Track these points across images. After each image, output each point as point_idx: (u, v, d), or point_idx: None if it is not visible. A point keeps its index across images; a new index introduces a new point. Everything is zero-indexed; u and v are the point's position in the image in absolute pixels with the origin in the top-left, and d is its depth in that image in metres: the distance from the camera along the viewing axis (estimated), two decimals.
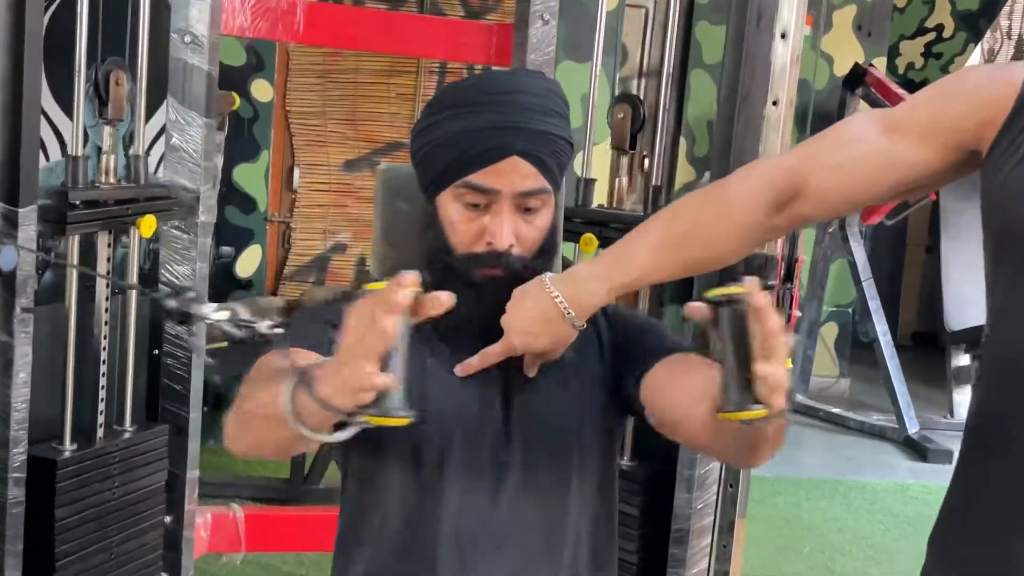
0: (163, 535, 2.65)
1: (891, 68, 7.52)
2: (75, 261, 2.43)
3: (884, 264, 8.00)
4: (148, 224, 2.50)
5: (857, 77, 6.02)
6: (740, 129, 2.37)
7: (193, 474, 2.69)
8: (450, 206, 1.46)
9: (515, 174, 1.43)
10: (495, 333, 1.45)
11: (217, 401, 4.17)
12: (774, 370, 1.09)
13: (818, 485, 5.10)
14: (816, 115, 6.56)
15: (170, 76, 2.59)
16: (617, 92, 5.77)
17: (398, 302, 1.08)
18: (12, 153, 2.13)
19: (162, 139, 3.03)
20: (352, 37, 2.88)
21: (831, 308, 6.88)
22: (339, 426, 1.17)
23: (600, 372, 1.55)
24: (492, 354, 1.43)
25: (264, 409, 1.21)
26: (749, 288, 1.11)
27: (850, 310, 6.97)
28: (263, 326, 1.20)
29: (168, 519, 2.66)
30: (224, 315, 1.25)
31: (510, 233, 1.44)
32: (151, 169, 3.81)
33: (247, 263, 4.93)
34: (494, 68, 1.99)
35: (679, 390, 1.40)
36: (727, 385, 1.13)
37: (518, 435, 1.49)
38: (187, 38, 2.56)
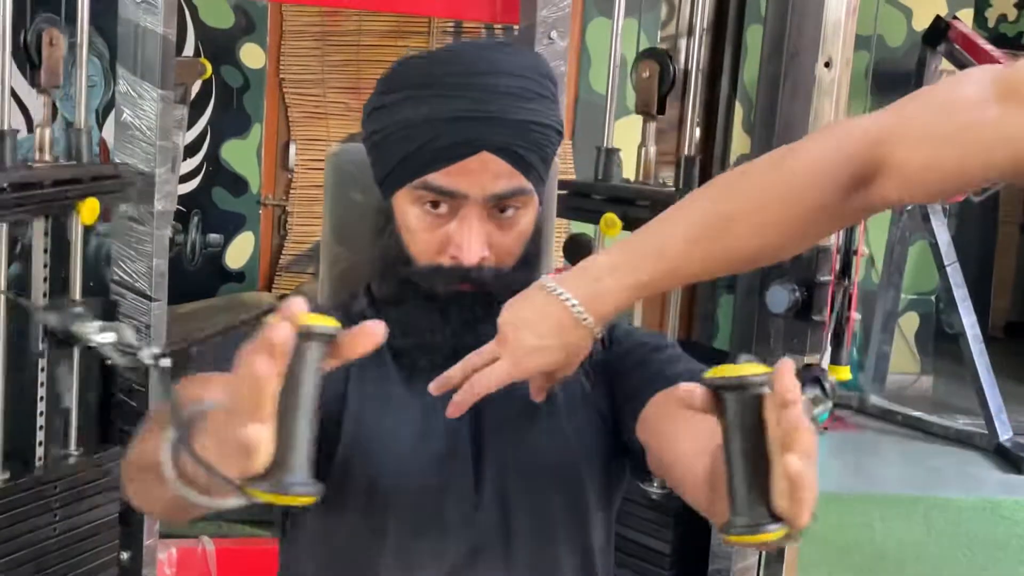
0: (119, 574, 2.55)
1: (979, 21, 7.37)
2: (3, 253, 2.31)
3: (972, 246, 7.83)
4: (90, 208, 2.37)
5: (939, 32, 5.87)
6: (787, 94, 2.28)
7: None
8: (408, 209, 1.33)
9: (485, 173, 1.30)
10: (464, 352, 1.30)
11: None
12: (802, 474, 0.88)
13: (894, 502, 4.96)
14: (890, 76, 6.43)
15: (119, 41, 2.48)
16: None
17: (278, 344, 0.86)
18: None
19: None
20: None
21: (911, 296, 6.75)
22: None
23: (597, 398, 1.42)
24: (488, 381, 1.23)
25: (145, 461, 1.04)
26: (772, 370, 0.91)
27: (933, 298, 6.84)
28: (146, 355, 1.05)
29: (125, 555, 2.57)
30: (110, 337, 1.12)
31: (480, 245, 1.30)
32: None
33: (238, 252, 4.90)
34: (468, 40, 1.85)
35: (678, 435, 1.21)
36: (735, 497, 0.94)
37: (492, 486, 1.35)
38: None
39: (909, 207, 6.08)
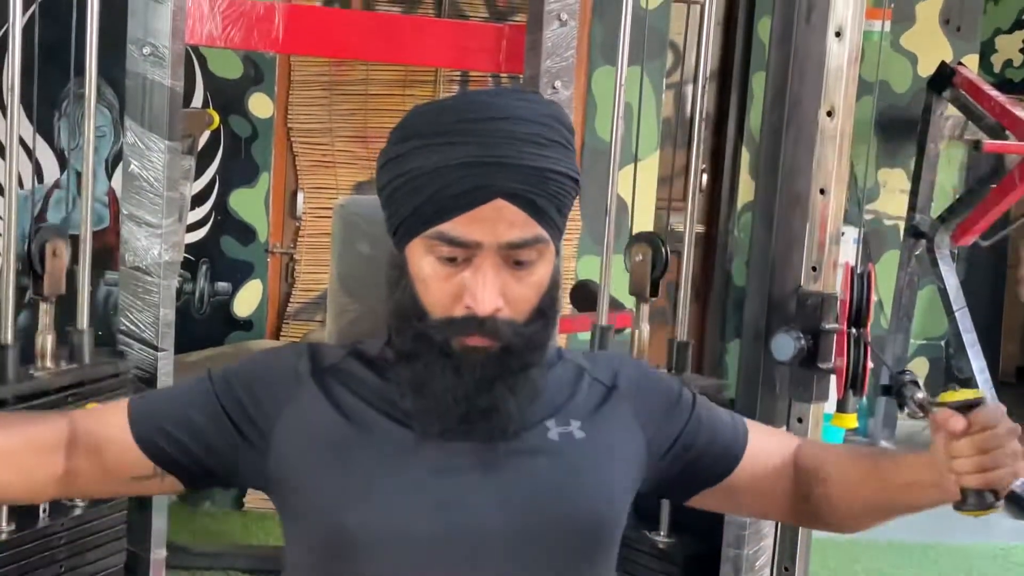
0: None
1: (985, 66, 7.37)
2: None
3: (982, 290, 7.81)
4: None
5: (944, 78, 5.86)
6: (790, 141, 2.28)
7: (159, 554, 2.58)
8: (422, 259, 1.32)
9: (500, 222, 1.28)
10: (477, 414, 1.31)
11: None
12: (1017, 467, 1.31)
13: (904, 550, 4.90)
14: (896, 122, 6.45)
15: (127, 94, 2.50)
16: (665, 97, 5.65)
17: None
18: None
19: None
20: (340, 44, 2.77)
21: (920, 341, 6.72)
22: None
23: (622, 454, 1.44)
24: None
25: None
26: (982, 392, 1.33)
27: (943, 343, 6.80)
28: None
29: None
30: None
31: (495, 295, 1.29)
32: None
33: (246, 300, 4.88)
34: (479, 88, 1.87)
35: (760, 475, 1.53)
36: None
37: (506, 533, 1.34)
38: (146, 49, 2.46)
39: (917, 252, 6.08)
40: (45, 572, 2.35)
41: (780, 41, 2.27)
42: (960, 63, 6.06)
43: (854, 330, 2.19)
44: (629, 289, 2.61)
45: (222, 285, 4.68)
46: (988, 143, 5.48)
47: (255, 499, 4.79)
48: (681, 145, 6.52)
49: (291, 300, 4.93)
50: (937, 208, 6.10)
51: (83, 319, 2.52)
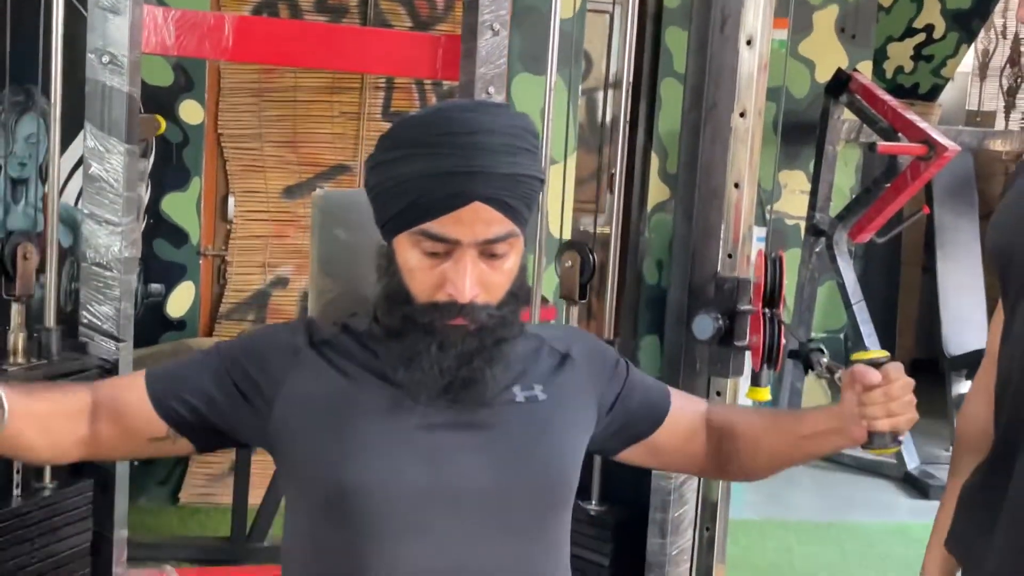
0: None
1: (878, 72, 7.62)
2: None
3: (878, 286, 8.07)
4: None
5: (840, 83, 6.06)
6: (707, 141, 2.44)
7: (121, 534, 2.69)
8: (408, 251, 1.49)
9: (478, 222, 1.45)
10: (459, 384, 1.49)
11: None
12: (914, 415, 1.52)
13: (809, 528, 5.13)
14: (796, 126, 6.68)
15: (87, 100, 2.59)
16: (580, 103, 5.84)
17: None
18: None
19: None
20: (286, 53, 2.90)
21: (821, 334, 6.95)
22: None
23: (577, 415, 1.63)
24: None
25: None
26: (886, 353, 1.54)
27: (842, 335, 7.03)
28: None
29: None
30: None
31: (473, 285, 1.47)
32: (70, 200, 3.84)
33: (179, 301, 4.93)
34: (455, 100, 1.98)
35: (679, 432, 1.75)
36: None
37: (484, 481, 1.51)
38: (105, 58, 2.57)
39: (817, 249, 6.30)
40: (18, 549, 2.42)
41: (697, 49, 2.44)
42: (855, 70, 6.26)
43: (768, 310, 2.39)
44: (559, 293, 2.75)
45: (155, 287, 4.70)
46: (882, 145, 5.70)
47: (190, 494, 4.88)
48: (593, 149, 6.72)
49: (223, 301, 4.96)
50: (835, 207, 6.29)
51: (50, 318, 2.61)
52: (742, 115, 2.40)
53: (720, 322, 2.40)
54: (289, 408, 1.53)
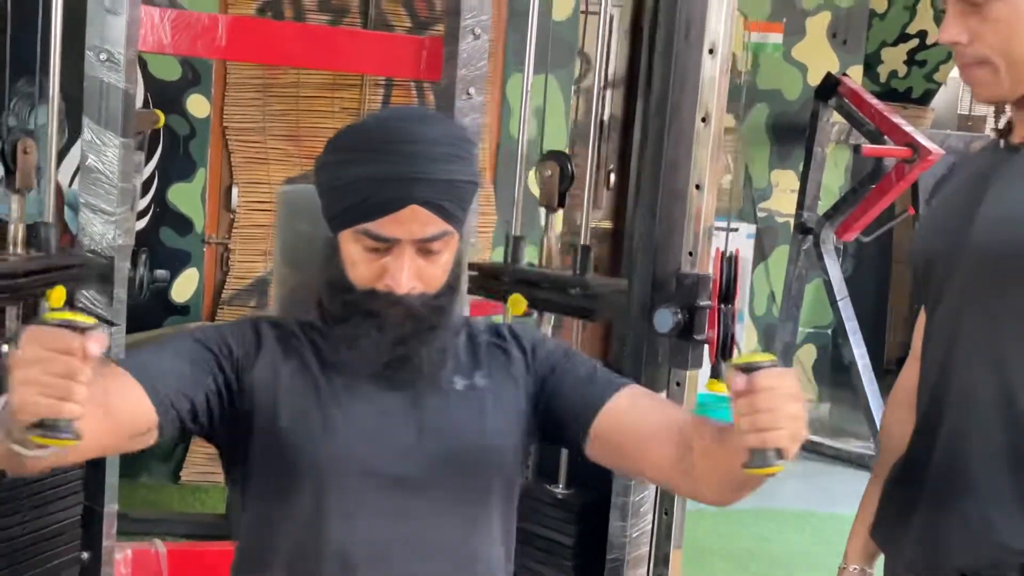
0: (79, 572, 2.70)
1: (872, 76, 7.65)
2: None
3: (868, 283, 8.12)
4: (58, 296, 2.54)
5: (830, 87, 6.09)
6: (671, 143, 2.48)
7: (111, 508, 2.76)
8: (351, 245, 1.57)
9: (415, 222, 1.53)
10: (397, 361, 1.56)
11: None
12: (796, 429, 1.31)
13: (788, 517, 5.18)
14: (788, 127, 6.73)
15: (85, 95, 2.66)
16: (577, 102, 5.89)
17: (93, 355, 1.22)
18: None
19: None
20: (276, 53, 2.98)
21: (809, 329, 7.00)
22: None
23: (514, 401, 1.67)
24: None
25: None
26: (772, 356, 1.33)
27: (830, 331, 7.07)
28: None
29: (85, 555, 2.72)
30: None
31: (410, 278, 1.54)
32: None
33: (183, 287, 5.00)
34: (399, 108, 2.00)
35: (639, 432, 1.61)
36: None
37: (425, 461, 1.59)
38: (102, 55, 2.64)
39: (805, 247, 6.35)
40: (10, 521, 2.49)
41: (662, 55, 2.48)
42: (845, 74, 6.30)
43: (723, 306, 2.44)
44: (540, 201, 2.80)
45: (161, 273, 4.72)
46: (867, 147, 5.75)
47: (191, 473, 4.95)
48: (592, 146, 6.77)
49: (225, 287, 5.03)
50: (824, 206, 6.33)
51: (49, 214, 2.66)
52: (704, 120, 2.44)
53: (680, 316, 2.44)
54: (258, 386, 1.59)
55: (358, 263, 1.56)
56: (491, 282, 2.78)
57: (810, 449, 6.24)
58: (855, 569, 1.96)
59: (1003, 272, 1.63)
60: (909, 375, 1.88)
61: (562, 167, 2.75)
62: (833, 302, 6.23)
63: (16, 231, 2.56)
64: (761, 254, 6.89)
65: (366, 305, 1.55)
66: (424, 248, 1.55)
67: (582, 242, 2.75)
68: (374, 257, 1.55)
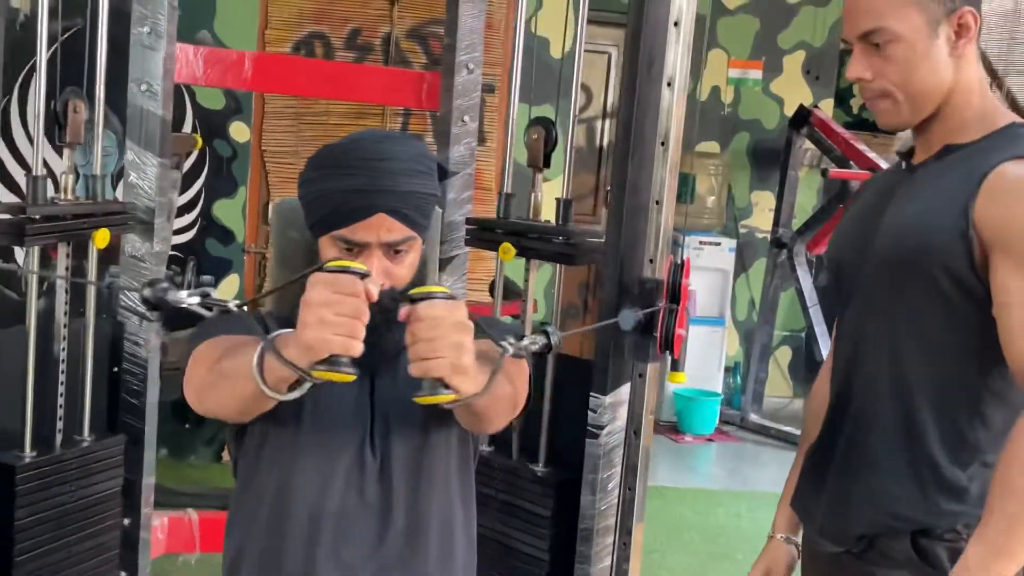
0: (121, 536, 2.75)
1: (845, 109, 7.65)
2: (36, 267, 2.53)
3: None
4: (102, 236, 2.60)
5: (802, 118, 6.17)
6: (635, 165, 2.52)
7: (149, 480, 2.81)
8: (328, 248, 1.63)
9: (382, 228, 1.59)
10: (367, 348, 1.61)
11: (183, 415, 4.31)
12: (457, 358, 1.29)
13: (760, 497, 5.18)
14: (766, 153, 6.76)
15: (128, 121, 2.72)
16: (578, 133, 5.93)
17: (373, 298, 1.27)
18: None
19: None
20: (296, 84, 3.04)
21: (784, 333, 7.01)
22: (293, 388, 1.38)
23: None
24: None
25: (236, 370, 1.40)
26: (446, 288, 1.33)
27: (803, 335, 7.08)
28: (232, 304, 1.40)
29: (127, 522, 2.77)
30: (196, 299, 1.42)
31: (379, 274, 1.59)
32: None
33: (226, 291, 5.07)
34: (370, 131, 2.02)
35: None
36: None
37: (385, 432, 1.65)
38: (143, 87, 2.70)
39: (780, 259, 6.38)
40: (58, 490, 2.54)
41: (627, 88, 2.52)
42: (816, 106, 6.36)
43: (671, 305, 2.47)
44: (527, 162, 2.82)
45: (206, 278, 4.77)
46: (833, 171, 5.80)
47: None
48: (591, 170, 6.82)
49: (262, 291, 5.10)
50: (798, 223, 6.40)
51: (96, 166, 2.70)
52: (663, 144, 2.48)
53: (640, 316, 2.48)
54: None
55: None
56: (485, 233, 2.82)
57: (785, 439, 6.25)
58: (781, 537, 2.00)
59: (899, 277, 1.67)
60: (828, 361, 1.92)
61: (547, 131, 2.79)
62: (805, 308, 6.27)
63: (67, 180, 2.61)
64: (742, 266, 6.91)
65: None
66: (391, 251, 1.60)
67: (564, 196, 2.77)
68: (350, 257, 1.60)
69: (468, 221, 2.90)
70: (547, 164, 2.81)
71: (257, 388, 1.35)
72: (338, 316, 1.24)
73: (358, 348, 1.25)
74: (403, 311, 1.30)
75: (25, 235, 2.39)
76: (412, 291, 1.33)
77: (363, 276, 1.26)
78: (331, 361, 1.25)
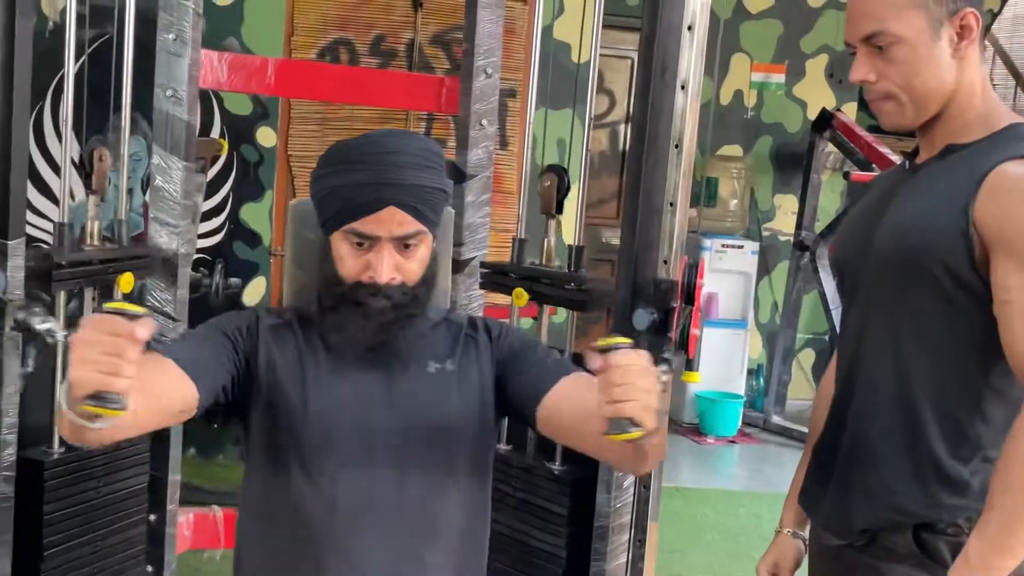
0: (147, 532, 2.79)
1: (868, 112, 7.57)
2: (62, 314, 2.52)
3: None
4: (127, 280, 2.63)
5: (825, 121, 6.15)
6: (649, 167, 2.54)
7: (175, 477, 2.84)
8: (340, 244, 1.66)
9: (392, 221, 1.62)
10: (379, 346, 1.65)
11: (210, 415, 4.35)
12: (647, 400, 1.33)
13: (781, 498, 5.07)
14: (789, 157, 6.76)
15: (154, 125, 2.76)
16: (591, 136, 5.94)
17: (141, 338, 1.27)
18: (2, 193, 2.28)
19: None
20: (318, 90, 3.08)
21: (807, 335, 7.00)
22: None
23: (479, 384, 1.74)
24: None
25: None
26: (629, 340, 1.37)
27: (826, 337, 7.06)
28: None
29: (152, 517, 2.80)
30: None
31: (390, 269, 1.62)
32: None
33: (253, 293, 5.14)
34: (379, 129, 2.05)
35: (574, 409, 1.62)
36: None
37: (399, 432, 1.67)
38: (168, 92, 2.74)
39: (803, 262, 6.37)
40: (86, 486, 2.58)
41: (642, 92, 2.53)
42: (839, 109, 6.34)
43: (685, 306, 2.49)
44: (540, 208, 2.81)
45: (234, 280, 4.76)
46: (855, 174, 5.78)
47: None
48: (614, 173, 6.84)
49: None
50: (820, 226, 6.38)
51: (122, 211, 2.75)
52: (677, 146, 2.50)
53: (655, 316, 2.50)
54: (265, 363, 1.69)
55: (346, 259, 1.64)
56: (499, 278, 2.84)
57: (806, 441, 6.17)
58: (788, 532, 2.02)
59: (900, 276, 1.69)
60: (835, 359, 1.94)
61: (559, 178, 2.81)
62: (827, 311, 6.25)
63: (92, 225, 2.64)
64: (765, 269, 6.91)
65: (353, 295, 1.63)
66: (401, 244, 1.63)
67: (576, 243, 2.79)
68: (359, 253, 1.63)
69: (483, 265, 2.92)
70: (560, 210, 2.81)
71: (69, 419, 1.36)
72: (101, 355, 1.25)
73: (119, 384, 1.26)
74: (598, 362, 1.35)
75: (52, 281, 2.41)
76: (599, 343, 1.37)
77: (133, 318, 1.28)
78: (98, 396, 1.28)
